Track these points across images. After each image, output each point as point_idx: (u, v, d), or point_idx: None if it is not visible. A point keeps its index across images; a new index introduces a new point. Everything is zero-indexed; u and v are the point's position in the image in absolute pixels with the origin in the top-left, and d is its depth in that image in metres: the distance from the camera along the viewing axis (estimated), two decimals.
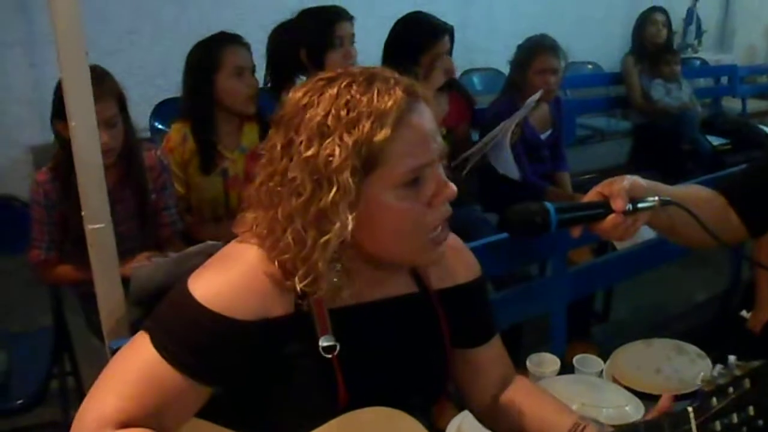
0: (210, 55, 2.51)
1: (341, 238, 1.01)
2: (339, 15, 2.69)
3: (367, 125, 0.98)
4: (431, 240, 1.08)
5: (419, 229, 1.07)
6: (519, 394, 1.31)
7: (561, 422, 1.22)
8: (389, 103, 0.99)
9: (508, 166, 2.84)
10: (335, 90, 1.01)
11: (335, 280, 1.06)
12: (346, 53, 2.68)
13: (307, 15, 2.70)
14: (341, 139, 0.98)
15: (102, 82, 2.15)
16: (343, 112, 0.99)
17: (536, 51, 3.20)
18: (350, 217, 1.00)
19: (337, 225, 1.00)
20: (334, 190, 0.99)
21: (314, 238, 1.01)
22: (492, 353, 1.32)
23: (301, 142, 1.01)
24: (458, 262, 1.27)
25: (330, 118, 0.99)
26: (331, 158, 0.98)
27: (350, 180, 0.98)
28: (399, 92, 1.01)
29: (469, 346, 1.29)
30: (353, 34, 2.73)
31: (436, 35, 2.86)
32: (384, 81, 1.03)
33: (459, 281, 1.27)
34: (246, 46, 2.59)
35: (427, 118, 1.06)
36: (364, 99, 1.00)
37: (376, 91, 1.00)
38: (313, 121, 1.00)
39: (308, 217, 1.01)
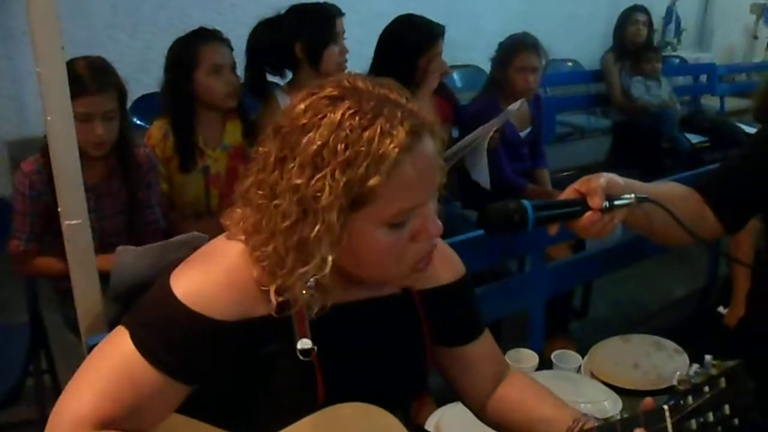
0: (189, 52, 2.49)
1: (321, 272, 1.00)
2: (337, 10, 2.70)
3: (362, 168, 0.94)
4: (412, 268, 1.08)
5: (401, 262, 1.06)
6: (515, 389, 1.31)
7: (560, 417, 1.21)
8: (389, 147, 0.95)
9: (481, 174, 2.83)
10: (338, 117, 0.96)
11: (308, 295, 1.04)
12: (341, 49, 2.69)
13: (304, 11, 2.68)
14: (333, 176, 0.94)
15: (104, 74, 2.14)
16: (340, 147, 0.94)
17: (517, 49, 3.21)
18: (330, 257, 0.98)
19: (317, 259, 0.99)
20: (318, 226, 0.96)
21: (293, 263, 1.00)
22: (482, 350, 1.32)
23: (293, 167, 0.97)
24: (441, 263, 1.25)
25: (326, 150, 0.95)
26: (319, 194, 0.95)
27: (336, 218, 0.96)
28: (402, 134, 0.96)
29: (457, 344, 1.29)
30: (344, 30, 2.74)
31: (433, 37, 2.87)
32: (391, 115, 0.97)
33: (442, 282, 1.26)
34: (225, 42, 2.57)
35: (426, 157, 1.01)
36: (365, 136, 0.94)
37: (378, 130, 0.95)
38: (309, 149, 0.95)
39: (290, 242, 0.99)
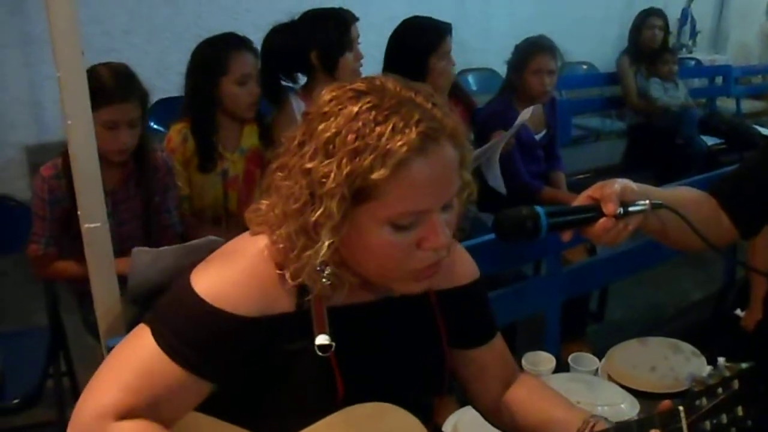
0: (218, 58, 2.48)
1: (322, 257, 1.01)
2: (352, 16, 2.71)
3: (368, 160, 0.95)
4: (412, 274, 1.07)
5: (401, 265, 1.06)
6: (525, 391, 1.31)
7: (571, 419, 1.21)
8: (398, 144, 0.95)
9: (497, 180, 2.86)
10: (356, 109, 0.98)
11: (326, 282, 1.06)
12: (357, 55, 2.70)
13: (319, 17, 2.69)
14: (340, 164, 0.96)
15: (131, 83, 2.16)
16: (351, 137, 0.96)
17: (533, 52, 3.21)
18: (328, 242, 1.00)
19: (320, 244, 1.01)
20: (320, 211, 0.99)
21: (302, 246, 1.02)
22: (494, 353, 1.32)
23: (308, 151, 1.00)
24: (457, 264, 1.27)
25: (338, 138, 0.97)
26: (324, 180, 0.97)
27: (336, 206, 0.97)
28: (414, 134, 0.96)
29: (469, 346, 1.30)
30: (359, 35, 2.75)
31: (441, 34, 2.88)
32: (408, 115, 0.98)
33: (457, 283, 1.27)
34: (254, 52, 2.57)
35: (440, 163, 1.01)
36: (376, 131, 0.96)
37: (391, 126, 0.96)
38: (324, 135, 0.98)
39: (298, 225, 1.02)
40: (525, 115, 2.84)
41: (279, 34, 2.71)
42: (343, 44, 2.65)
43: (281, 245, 1.05)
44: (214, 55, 2.49)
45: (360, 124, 0.97)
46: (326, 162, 0.98)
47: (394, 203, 0.99)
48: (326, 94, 1.04)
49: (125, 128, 2.12)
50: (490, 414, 1.35)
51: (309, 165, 0.99)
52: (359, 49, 2.75)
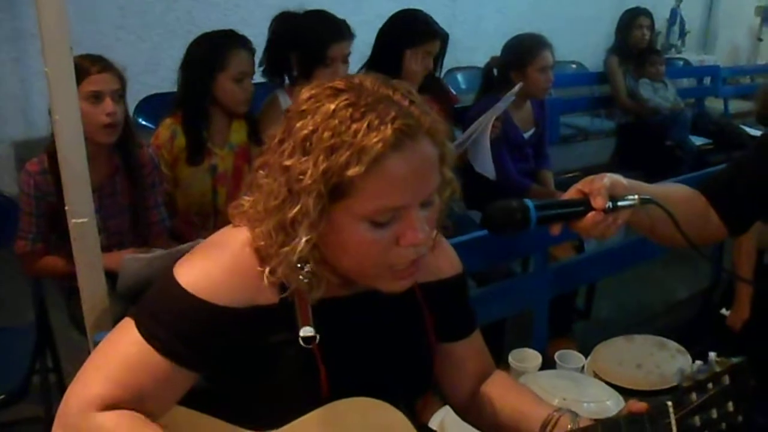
0: (217, 53, 2.49)
1: (300, 254, 1.02)
2: (339, 34, 2.68)
3: (344, 157, 0.96)
4: (392, 272, 1.07)
5: (379, 262, 1.06)
6: (496, 387, 1.32)
7: (536, 413, 1.23)
8: (373, 141, 0.96)
9: (485, 164, 2.84)
10: (333, 106, 0.99)
11: (303, 279, 1.07)
12: (333, 72, 2.66)
13: (308, 26, 2.69)
14: (316, 161, 0.97)
15: (102, 59, 2.18)
16: (326, 135, 0.97)
17: (537, 48, 3.20)
18: (305, 239, 1.00)
19: (296, 240, 1.01)
20: (297, 208, 0.99)
21: (280, 242, 1.03)
22: (472, 348, 1.33)
23: (286, 149, 1.01)
24: (441, 258, 1.27)
25: (315, 136, 0.98)
26: (301, 177, 0.98)
27: (312, 203, 0.98)
28: (389, 130, 0.97)
29: (449, 340, 1.30)
30: (349, 53, 2.73)
31: (426, 35, 2.90)
32: (384, 112, 0.98)
33: (441, 276, 1.27)
34: (252, 51, 2.58)
35: (418, 159, 1.01)
36: (352, 128, 0.97)
37: (366, 124, 0.97)
38: (301, 133, 0.99)
39: (276, 221, 1.03)
40: (512, 93, 2.84)
41: (283, 21, 2.73)
42: (318, 59, 2.65)
43: (261, 242, 1.06)
44: (213, 50, 2.50)
45: (336, 121, 0.98)
46: (303, 159, 0.99)
47: (370, 199, 0.99)
48: (305, 92, 1.05)
49: (109, 99, 2.13)
50: (461, 409, 1.36)
51: (287, 162, 1.00)
52: (343, 66, 2.72)
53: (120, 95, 2.19)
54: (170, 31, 4.34)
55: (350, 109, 0.98)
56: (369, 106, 0.99)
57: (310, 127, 0.99)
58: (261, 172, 1.07)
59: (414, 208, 1.03)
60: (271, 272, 1.06)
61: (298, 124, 1.00)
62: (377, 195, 0.99)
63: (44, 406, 2.37)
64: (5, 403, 2.06)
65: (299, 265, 1.05)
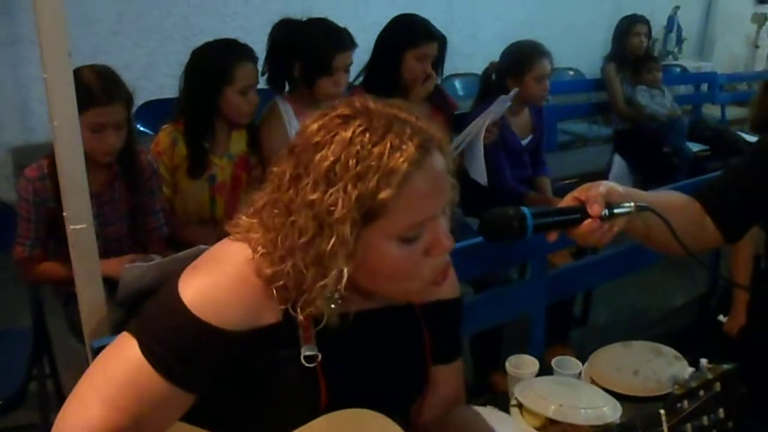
0: (224, 67, 2.47)
1: (339, 284, 1.02)
2: (343, 44, 2.68)
3: (374, 181, 0.97)
4: (424, 284, 1.10)
5: (416, 277, 1.08)
6: (461, 421, 1.33)
7: None
8: (399, 161, 0.98)
9: (478, 169, 2.85)
10: (349, 134, 0.99)
11: (332, 306, 1.07)
12: (336, 82, 2.67)
13: (312, 35, 2.67)
14: (345, 190, 0.97)
15: (116, 85, 2.15)
16: (351, 162, 0.97)
17: (536, 56, 3.21)
18: (346, 269, 1.01)
19: (335, 272, 1.01)
20: (334, 239, 0.99)
21: (314, 277, 1.02)
22: (451, 374, 1.33)
23: (307, 183, 1.00)
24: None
25: (338, 165, 0.98)
26: (332, 208, 0.98)
27: (349, 231, 0.98)
28: (411, 148, 0.99)
29: (435, 362, 1.30)
30: (351, 62, 2.73)
31: (423, 36, 2.92)
32: (400, 131, 1.00)
33: (441, 297, 1.27)
34: (256, 62, 2.57)
35: (436, 171, 1.04)
36: (375, 151, 0.98)
37: (388, 145, 0.98)
38: (322, 165, 0.99)
39: (308, 257, 1.02)
40: (507, 98, 2.84)
41: (283, 29, 2.71)
42: (321, 68, 2.64)
43: (281, 281, 1.05)
44: (219, 64, 2.47)
45: (357, 147, 0.98)
46: (331, 191, 0.98)
47: (401, 218, 1.01)
48: (312, 124, 1.04)
49: (111, 130, 2.12)
50: (420, 431, 1.35)
51: (312, 197, 0.99)
52: (343, 76, 2.72)
53: (125, 122, 2.17)
54: (167, 37, 4.34)
55: (367, 134, 0.99)
56: (385, 128, 1.00)
57: (331, 158, 0.98)
58: (274, 210, 1.05)
59: (438, 219, 1.06)
60: (302, 309, 1.06)
61: (317, 157, 1.00)
62: (407, 212, 1.01)
63: (41, 413, 2.36)
64: (1, 410, 2.06)
65: (329, 295, 1.05)
